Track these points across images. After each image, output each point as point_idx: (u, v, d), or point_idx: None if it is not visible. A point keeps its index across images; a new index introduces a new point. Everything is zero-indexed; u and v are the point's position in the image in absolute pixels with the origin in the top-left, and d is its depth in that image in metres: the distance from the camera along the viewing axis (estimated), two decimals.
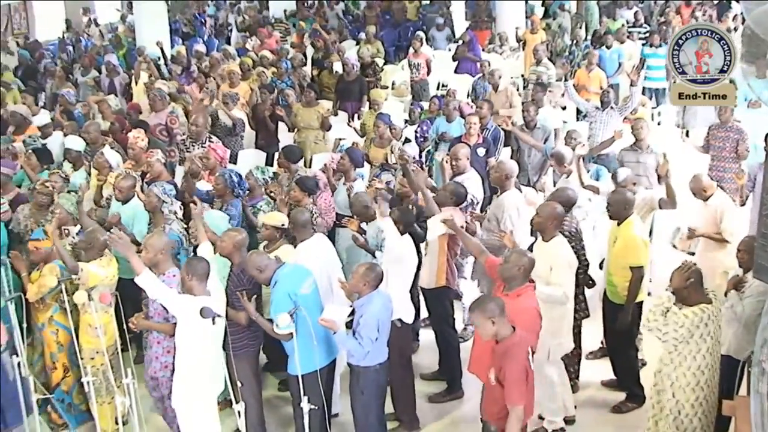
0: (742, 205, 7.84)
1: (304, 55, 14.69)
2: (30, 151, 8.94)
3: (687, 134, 11.98)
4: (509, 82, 12.47)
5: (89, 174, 8.37)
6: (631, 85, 9.74)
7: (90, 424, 6.22)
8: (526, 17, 16.67)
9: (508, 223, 6.81)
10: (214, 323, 5.04)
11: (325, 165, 8.19)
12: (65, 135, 9.51)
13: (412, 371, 6.34)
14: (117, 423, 5.73)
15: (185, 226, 7.00)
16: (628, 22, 16.01)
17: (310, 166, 9.55)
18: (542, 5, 19.05)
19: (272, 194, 7.40)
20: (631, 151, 8.30)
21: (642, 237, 6.26)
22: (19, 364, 5.54)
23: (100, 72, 14.41)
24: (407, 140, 9.94)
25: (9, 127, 10.59)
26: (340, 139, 9.53)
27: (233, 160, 9.68)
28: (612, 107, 9.73)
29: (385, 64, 14.81)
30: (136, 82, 12.95)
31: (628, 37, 14.29)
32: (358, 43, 15.87)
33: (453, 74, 14.20)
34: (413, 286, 6.38)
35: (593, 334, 6.85)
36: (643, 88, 12.60)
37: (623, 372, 6.53)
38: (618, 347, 6.49)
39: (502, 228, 6.71)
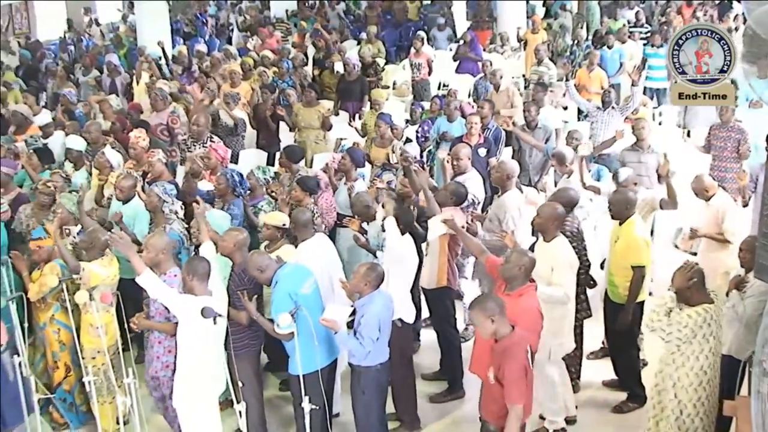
0: (745, 206, 7.83)
1: (305, 55, 14.69)
2: (31, 150, 8.95)
3: (688, 134, 11.97)
4: (510, 82, 12.46)
5: (90, 174, 8.38)
6: (633, 85, 9.74)
7: (91, 423, 6.22)
8: (528, 17, 16.66)
9: (510, 224, 6.82)
10: (215, 323, 5.05)
11: (327, 165, 8.19)
12: (66, 135, 9.51)
13: (413, 371, 6.34)
14: (118, 423, 5.73)
15: (186, 225, 7.00)
16: (629, 22, 16.00)
17: (311, 166, 9.55)
18: (543, 5, 19.05)
19: (273, 194, 7.40)
20: (632, 151, 8.30)
21: (644, 237, 6.26)
22: (20, 363, 5.54)
23: (101, 72, 14.43)
24: (408, 140, 9.94)
25: (10, 127, 10.61)
26: (341, 139, 9.53)
27: (234, 159, 9.68)
28: (613, 107, 9.73)
29: (386, 64, 14.81)
30: (138, 82, 12.96)
31: (629, 37, 14.27)
32: (359, 43, 15.87)
33: (454, 74, 14.20)
34: (414, 286, 6.37)
35: (594, 334, 6.84)
36: (645, 88, 12.59)
37: (624, 372, 6.53)
38: (619, 347, 6.49)
39: (504, 228, 6.71)
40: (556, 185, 7.80)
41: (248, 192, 7.28)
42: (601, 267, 7.12)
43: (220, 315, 5.09)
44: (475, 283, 7.20)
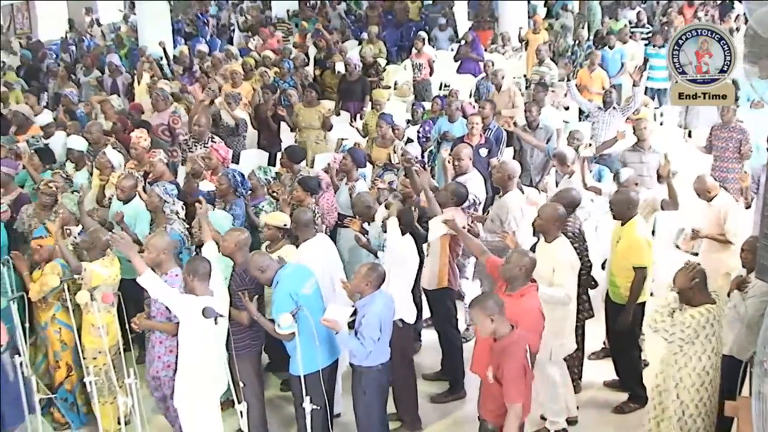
0: (747, 207, 7.82)
1: (307, 55, 14.69)
2: (32, 151, 8.96)
3: (689, 134, 11.96)
4: (512, 83, 12.46)
5: (91, 174, 8.39)
6: (634, 85, 9.73)
7: (92, 423, 6.22)
8: (529, 17, 16.64)
9: (512, 224, 6.81)
10: (216, 323, 5.05)
11: (329, 165, 8.19)
12: (68, 135, 9.51)
13: (414, 371, 6.34)
14: (119, 423, 5.72)
15: (187, 226, 7.00)
16: (630, 23, 15.97)
17: (312, 167, 9.55)
18: (545, 5, 19.03)
19: (275, 194, 7.40)
20: (633, 152, 8.30)
21: (646, 237, 6.25)
22: (21, 363, 5.54)
23: (102, 72, 14.44)
24: (409, 140, 9.95)
25: (11, 127, 10.62)
26: (342, 139, 9.53)
27: (236, 160, 9.68)
28: (614, 107, 9.73)
29: (387, 64, 14.81)
30: (139, 82, 12.97)
31: (630, 37, 14.26)
32: (360, 43, 15.87)
33: (455, 74, 14.20)
34: (415, 286, 6.37)
35: (595, 334, 6.84)
36: (646, 89, 12.58)
37: (626, 372, 6.53)
38: (621, 348, 6.49)
39: (505, 229, 6.71)
40: (557, 185, 7.80)
41: (249, 192, 7.28)
42: (602, 267, 7.12)
43: (221, 315, 5.09)
44: (476, 283, 7.20)
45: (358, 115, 11.59)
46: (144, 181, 7.78)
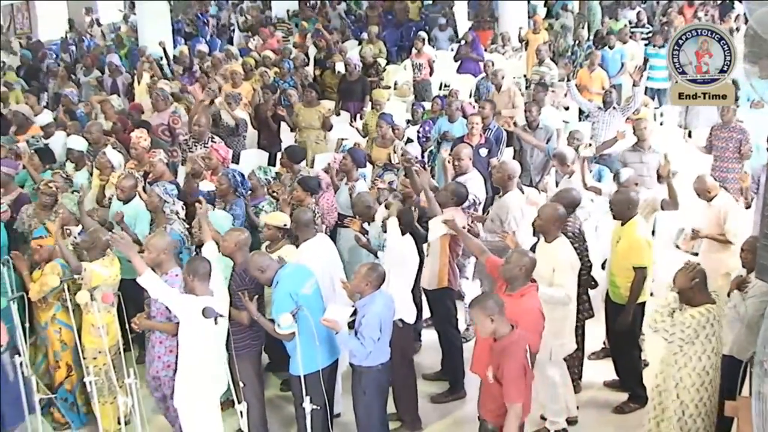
0: (747, 208, 7.82)
1: (307, 55, 14.69)
2: (32, 151, 8.96)
3: (689, 134, 11.95)
4: (512, 83, 12.46)
5: (91, 174, 8.39)
6: (634, 85, 9.73)
7: (92, 423, 6.22)
8: (529, 17, 16.64)
9: (512, 224, 6.81)
10: (216, 323, 5.05)
11: (329, 165, 8.20)
12: (68, 135, 9.52)
13: (414, 371, 6.34)
14: (119, 423, 5.73)
15: (187, 226, 7.01)
16: (630, 23, 15.98)
17: (312, 167, 9.55)
18: (545, 5, 19.04)
19: (275, 194, 7.40)
20: (633, 152, 8.29)
21: (646, 238, 6.25)
22: (21, 363, 5.54)
23: (102, 72, 14.44)
24: (409, 140, 9.95)
25: (11, 127, 10.62)
26: (342, 139, 9.54)
27: (236, 160, 9.68)
28: (614, 107, 9.73)
29: (387, 64, 14.81)
30: (139, 82, 12.97)
31: (630, 37, 14.26)
32: (360, 43, 15.87)
33: (455, 74, 14.20)
34: (415, 286, 6.37)
35: (595, 334, 6.84)
36: (646, 89, 12.58)
37: (626, 372, 6.53)
38: (621, 348, 6.49)
39: (506, 229, 6.71)
40: (557, 185, 7.80)
41: (249, 192, 7.28)
42: (602, 267, 7.12)
43: (221, 315, 5.09)
44: (476, 283, 7.20)
45: (358, 115, 11.59)
46: (144, 181, 7.78)
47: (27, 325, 5.83)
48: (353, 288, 5.55)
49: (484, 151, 8.73)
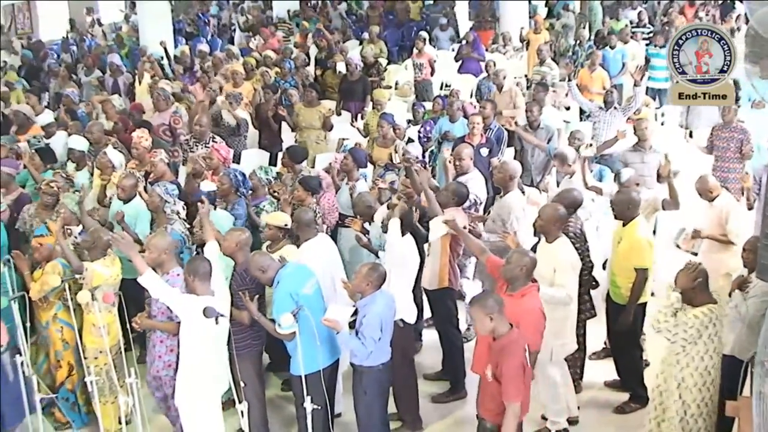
0: (750, 209, 7.81)
1: (308, 55, 14.69)
2: (33, 150, 8.96)
3: (690, 135, 11.95)
4: (513, 83, 12.46)
5: (92, 174, 8.39)
6: (635, 85, 9.73)
7: (93, 423, 6.22)
8: (530, 17, 16.64)
9: (515, 224, 6.81)
10: (217, 323, 5.05)
11: (330, 165, 8.19)
12: (69, 135, 9.52)
13: (414, 371, 6.34)
14: (120, 423, 5.73)
15: (188, 225, 7.01)
16: (631, 23, 15.98)
17: (313, 167, 9.55)
18: (546, 5, 19.04)
19: (276, 194, 7.40)
20: (634, 152, 8.28)
21: (647, 238, 6.24)
22: (22, 363, 5.54)
23: (103, 72, 14.45)
24: (410, 140, 9.94)
25: (12, 127, 10.62)
26: (343, 139, 9.54)
27: (236, 159, 9.68)
28: (615, 107, 9.73)
29: (388, 64, 14.81)
30: (140, 82, 12.98)
31: (631, 37, 14.26)
32: (361, 43, 15.86)
33: (456, 74, 14.20)
34: (416, 286, 6.37)
35: (596, 334, 6.84)
36: (647, 89, 12.58)
37: (627, 372, 6.53)
38: (622, 348, 6.48)
39: (508, 229, 6.71)
40: (558, 185, 7.80)
41: (250, 192, 7.28)
42: (603, 267, 7.11)
43: (222, 315, 5.09)
44: (477, 283, 7.19)
45: (359, 115, 11.58)
46: (145, 181, 7.78)
47: (28, 324, 5.83)
48: (354, 288, 5.55)
49: (485, 151, 8.73)
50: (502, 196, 7.12)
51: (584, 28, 16.14)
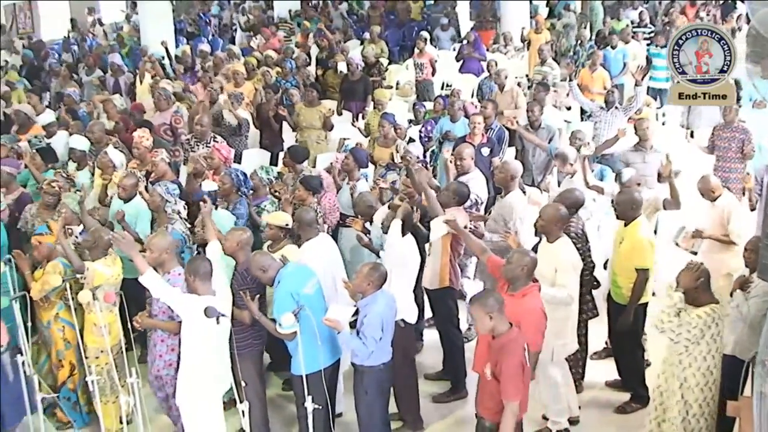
0: (752, 209, 7.80)
1: (309, 54, 14.70)
2: (34, 150, 8.97)
3: (692, 134, 11.95)
4: (514, 83, 12.47)
5: (93, 174, 8.39)
6: (636, 85, 9.73)
7: (95, 423, 6.22)
8: (531, 17, 16.65)
9: (517, 224, 6.80)
10: (218, 323, 5.05)
11: (331, 164, 8.19)
12: (70, 134, 9.54)
13: (415, 371, 6.34)
14: (121, 422, 5.74)
15: (189, 225, 7.01)
16: (632, 22, 15.98)
17: (314, 166, 9.55)
18: (547, 5, 19.05)
19: (277, 194, 7.41)
20: (635, 152, 8.28)
21: (649, 238, 6.23)
22: (23, 362, 5.55)
23: (104, 71, 14.45)
24: (411, 140, 9.94)
25: (13, 126, 10.63)
26: (344, 139, 9.54)
27: (238, 159, 9.69)
28: (616, 107, 9.73)
29: (389, 63, 14.81)
30: (141, 82, 12.98)
31: (632, 37, 14.26)
32: (362, 43, 15.86)
33: (457, 74, 14.20)
34: (417, 286, 6.37)
35: (598, 334, 6.83)
36: (648, 89, 12.58)
37: (628, 372, 6.52)
38: (623, 348, 6.48)
39: (509, 228, 6.71)
40: (559, 185, 7.79)
41: (251, 192, 7.28)
42: (605, 267, 7.11)
43: (223, 315, 5.09)
44: (479, 283, 7.19)
45: (360, 115, 11.58)
46: (146, 180, 7.78)
47: (29, 324, 5.83)
48: (355, 288, 5.55)
49: (486, 151, 8.73)
50: (503, 196, 7.12)
51: (585, 28, 16.14)
